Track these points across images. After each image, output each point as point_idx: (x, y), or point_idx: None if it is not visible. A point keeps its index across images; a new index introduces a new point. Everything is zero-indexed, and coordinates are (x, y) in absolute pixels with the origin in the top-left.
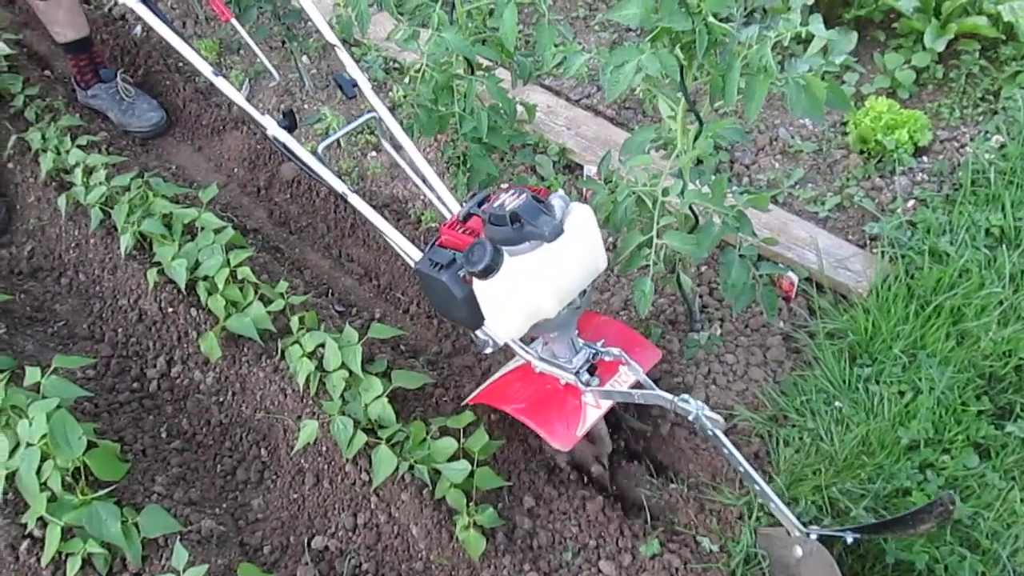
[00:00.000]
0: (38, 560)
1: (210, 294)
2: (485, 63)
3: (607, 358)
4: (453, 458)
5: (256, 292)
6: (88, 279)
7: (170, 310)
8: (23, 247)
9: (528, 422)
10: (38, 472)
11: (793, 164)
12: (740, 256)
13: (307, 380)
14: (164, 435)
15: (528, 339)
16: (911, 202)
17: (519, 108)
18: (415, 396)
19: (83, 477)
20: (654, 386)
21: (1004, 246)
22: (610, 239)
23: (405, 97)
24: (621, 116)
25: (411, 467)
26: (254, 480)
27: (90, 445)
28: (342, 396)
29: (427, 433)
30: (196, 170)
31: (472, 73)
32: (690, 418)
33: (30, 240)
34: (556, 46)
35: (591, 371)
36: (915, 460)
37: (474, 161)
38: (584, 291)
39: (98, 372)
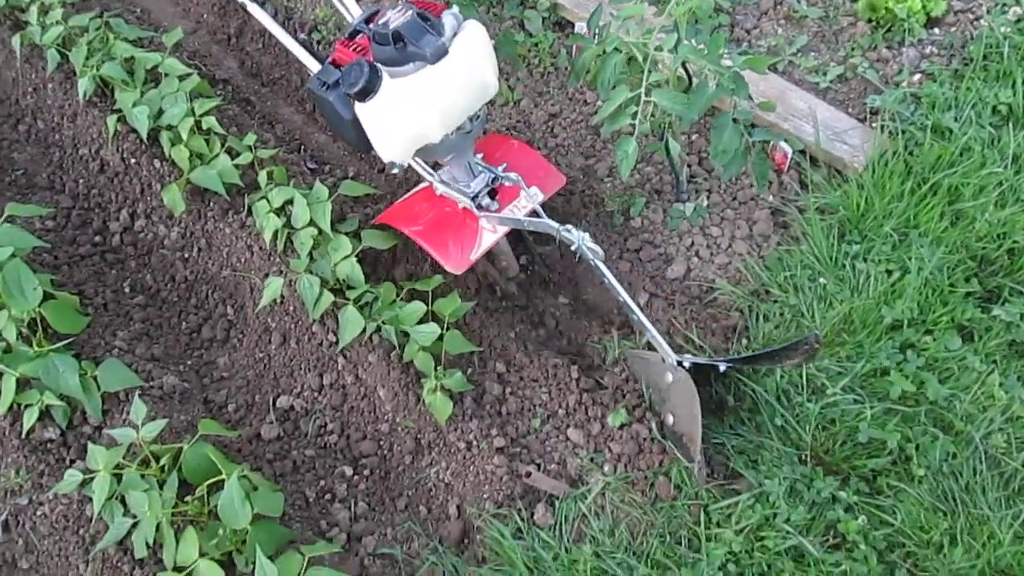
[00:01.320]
0: None
1: (173, 144)
2: None
3: (507, 183)
4: (422, 321)
5: (223, 144)
6: (47, 126)
7: (132, 161)
8: None
9: (423, 244)
10: None
11: (797, 31)
12: (733, 120)
13: (274, 237)
14: (127, 290)
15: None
16: (917, 76)
17: None
18: (386, 258)
19: (40, 329)
20: (544, 214)
21: (1010, 125)
22: (598, 102)
23: None
24: None
25: (379, 328)
26: (220, 338)
27: (48, 297)
28: (310, 254)
29: (397, 295)
30: (162, 15)
31: None
32: (572, 248)
33: None
34: None
35: (491, 195)
36: (896, 340)
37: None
38: (477, 115)
39: (58, 224)
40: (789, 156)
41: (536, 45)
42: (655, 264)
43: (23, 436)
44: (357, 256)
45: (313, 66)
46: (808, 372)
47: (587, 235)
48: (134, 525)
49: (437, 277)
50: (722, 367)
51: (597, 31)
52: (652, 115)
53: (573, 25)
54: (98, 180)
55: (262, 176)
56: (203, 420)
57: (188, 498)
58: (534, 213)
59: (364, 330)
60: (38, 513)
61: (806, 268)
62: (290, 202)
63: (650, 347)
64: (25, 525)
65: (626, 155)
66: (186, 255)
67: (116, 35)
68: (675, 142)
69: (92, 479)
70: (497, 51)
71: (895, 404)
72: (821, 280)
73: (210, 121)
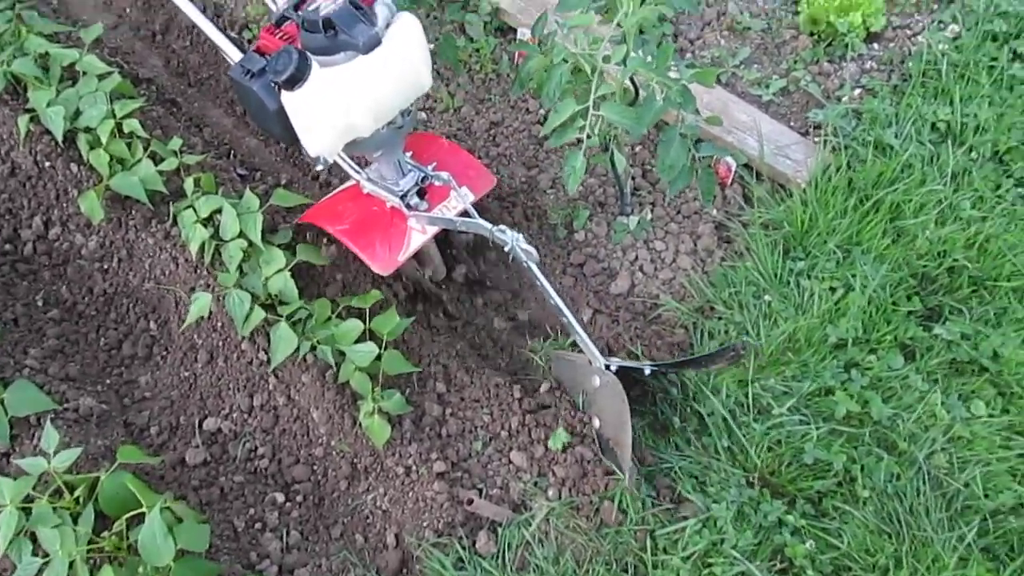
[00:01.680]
0: None
1: (92, 148)
2: None
3: (437, 182)
4: (359, 340)
5: (146, 148)
6: None
7: (47, 164)
8: None
9: (349, 244)
10: None
11: (740, 42)
12: (681, 135)
13: (201, 249)
14: (40, 303)
15: (363, 160)
16: (858, 90)
17: None
18: (321, 273)
19: None
20: (476, 215)
21: (949, 142)
22: (542, 111)
23: None
24: None
25: (313, 347)
26: (142, 356)
27: None
28: (239, 268)
29: (333, 312)
30: (81, 7)
31: None
32: (506, 249)
33: None
34: None
35: (420, 195)
36: (841, 359)
37: None
38: (408, 111)
39: None
40: (733, 170)
41: (478, 51)
42: (599, 279)
43: None
44: (290, 270)
45: (234, 54)
46: (754, 392)
47: (520, 236)
48: (45, 564)
49: (375, 292)
50: (647, 370)
51: (542, 39)
52: (598, 128)
53: (515, 31)
54: (8, 184)
55: (188, 183)
56: (123, 446)
57: (105, 533)
58: (465, 213)
59: (298, 349)
60: None
61: (751, 284)
62: (218, 211)
63: (575, 348)
64: None
65: (574, 170)
66: (105, 266)
67: (29, 28)
68: (620, 155)
69: None
70: (437, 55)
71: (840, 424)
72: (766, 297)
73: (132, 124)
